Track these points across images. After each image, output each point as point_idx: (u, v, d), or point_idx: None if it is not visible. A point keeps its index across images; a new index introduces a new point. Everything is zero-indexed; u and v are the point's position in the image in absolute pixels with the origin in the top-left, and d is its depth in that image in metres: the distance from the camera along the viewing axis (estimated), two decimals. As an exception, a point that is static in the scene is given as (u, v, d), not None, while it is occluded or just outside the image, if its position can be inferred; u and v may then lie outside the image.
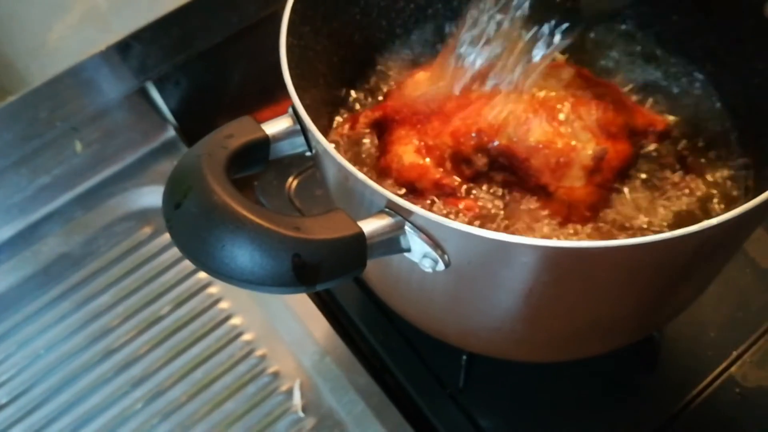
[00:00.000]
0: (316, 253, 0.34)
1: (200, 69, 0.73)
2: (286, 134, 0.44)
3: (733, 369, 0.58)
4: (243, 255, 0.33)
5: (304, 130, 0.43)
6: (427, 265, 0.39)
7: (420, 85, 0.56)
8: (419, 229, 0.38)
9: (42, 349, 0.64)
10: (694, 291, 0.51)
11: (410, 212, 0.38)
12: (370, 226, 0.37)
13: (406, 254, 0.40)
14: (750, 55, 0.51)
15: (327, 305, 0.66)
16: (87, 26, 0.65)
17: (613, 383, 0.59)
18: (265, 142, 0.42)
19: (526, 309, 0.43)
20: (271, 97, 0.78)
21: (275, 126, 0.43)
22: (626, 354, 0.53)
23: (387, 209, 0.39)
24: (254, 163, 0.42)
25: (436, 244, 0.38)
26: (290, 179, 0.73)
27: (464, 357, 0.57)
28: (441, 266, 0.39)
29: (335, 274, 0.36)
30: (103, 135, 0.71)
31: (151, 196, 0.71)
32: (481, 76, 0.58)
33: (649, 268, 0.41)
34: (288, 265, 0.34)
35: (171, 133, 0.74)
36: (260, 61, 0.75)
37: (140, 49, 0.65)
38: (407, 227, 0.38)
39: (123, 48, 0.64)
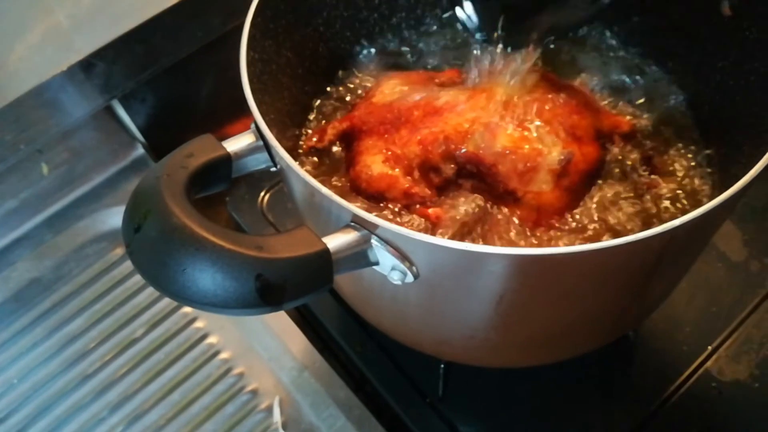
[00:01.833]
0: (280, 272, 0.34)
1: (167, 85, 0.72)
2: (249, 151, 0.43)
3: (708, 363, 0.59)
4: (205, 278, 0.33)
5: (268, 146, 0.43)
6: (396, 278, 0.39)
7: (387, 94, 0.56)
8: (386, 242, 0.38)
9: (15, 378, 0.62)
10: (666, 289, 0.51)
11: (376, 225, 0.37)
12: (335, 241, 0.37)
13: (375, 267, 0.40)
14: (710, 54, 0.52)
15: (304, 319, 0.66)
16: (49, 46, 0.64)
17: (591, 384, 0.59)
18: (227, 159, 0.41)
19: (498, 316, 0.43)
20: (242, 109, 0.77)
21: (237, 143, 0.43)
22: (602, 354, 0.53)
23: (353, 223, 0.38)
24: (217, 181, 0.42)
25: (403, 257, 0.38)
26: (262, 193, 0.72)
27: (442, 366, 0.57)
28: (410, 278, 0.39)
29: (301, 293, 0.35)
30: (70, 156, 0.70)
31: (122, 216, 0.70)
32: (449, 82, 0.58)
33: (618, 270, 0.41)
34: (251, 286, 0.33)
35: (140, 150, 0.74)
36: (228, 74, 0.74)
37: (104, 68, 0.64)
38: (374, 241, 0.38)
39: (86, 67, 0.63)
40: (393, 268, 0.39)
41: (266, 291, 0.34)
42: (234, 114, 0.77)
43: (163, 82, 0.71)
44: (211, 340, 0.64)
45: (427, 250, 0.37)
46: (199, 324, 0.64)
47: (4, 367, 0.63)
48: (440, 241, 0.36)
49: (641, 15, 0.57)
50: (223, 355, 0.63)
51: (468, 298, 0.42)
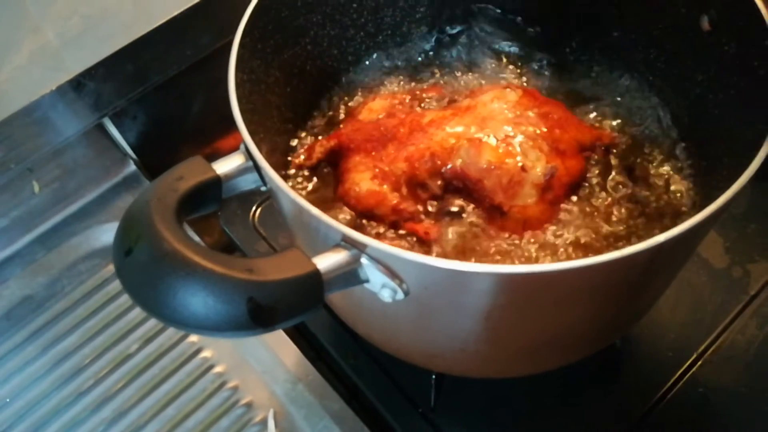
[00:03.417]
0: (271, 294, 0.35)
1: (157, 102, 0.72)
2: (239, 172, 0.44)
3: (695, 369, 0.60)
4: (196, 302, 0.33)
5: (257, 167, 0.43)
6: (386, 295, 0.40)
7: (374, 111, 0.57)
8: (376, 260, 0.38)
9: (8, 396, 0.62)
10: (651, 299, 0.52)
11: (365, 245, 0.38)
12: (325, 261, 0.38)
13: (365, 285, 0.40)
14: (689, 68, 0.53)
15: (297, 332, 0.67)
16: (38, 65, 0.64)
17: (580, 392, 0.60)
18: (217, 182, 0.42)
19: (487, 331, 0.44)
20: (232, 125, 0.78)
21: (227, 164, 0.43)
22: (590, 363, 0.54)
23: (342, 242, 0.39)
24: (207, 203, 0.43)
25: (393, 274, 0.39)
26: (254, 207, 0.73)
27: (433, 377, 0.58)
28: (400, 295, 0.40)
29: (293, 314, 0.36)
30: (61, 173, 0.71)
31: (114, 233, 0.70)
32: (434, 97, 0.59)
33: (604, 284, 0.42)
34: (243, 309, 0.34)
35: (131, 167, 0.74)
36: (218, 91, 0.74)
37: (94, 86, 0.65)
38: (364, 259, 0.39)
39: (76, 85, 0.64)
40: (383, 286, 0.39)
41: (258, 313, 0.34)
42: (224, 130, 0.78)
43: (154, 100, 0.71)
44: (205, 354, 0.64)
45: (417, 268, 0.38)
46: (192, 338, 0.65)
47: (-4, 386, 0.63)
48: (430, 260, 0.36)
49: (622, 29, 0.59)
50: (218, 369, 0.63)
51: (458, 314, 0.42)
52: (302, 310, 0.36)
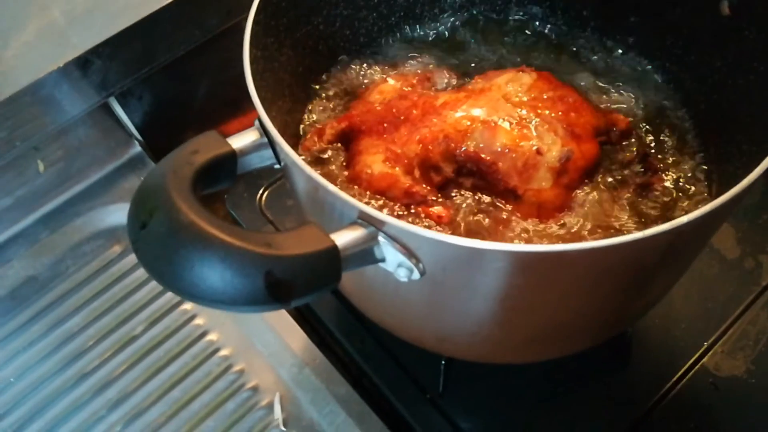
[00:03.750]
0: (289, 269, 0.34)
1: (164, 83, 0.72)
2: (254, 148, 0.43)
3: (705, 359, 0.60)
4: (213, 275, 0.33)
5: (272, 143, 0.43)
6: (402, 275, 0.39)
7: (385, 93, 0.56)
8: (393, 239, 0.38)
9: (12, 376, 0.62)
10: (665, 286, 0.52)
11: (383, 222, 0.37)
12: (343, 238, 0.37)
13: (380, 264, 0.40)
14: (707, 54, 0.53)
15: (303, 316, 0.66)
16: (45, 42, 0.63)
17: (590, 380, 0.59)
18: (232, 156, 0.41)
19: (502, 313, 0.43)
20: (238, 108, 0.78)
21: (242, 140, 0.43)
22: (601, 351, 0.54)
23: (359, 220, 0.38)
24: (222, 178, 0.42)
25: (410, 254, 0.38)
26: (261, 191, 0.72)
27: (443, 362, 0.57)
28: (416, 275, 0.39)
29: (310, 290, 0.36)
30: (66, 153, 0.70)
31: (119, 214, 0.70)
32: (447, 80, 0.59)
33: (621, 267, 0.41)
34: (261, 283, 0.33)
35: (137, 148, 0.73)
36: (225, 73, 0.74)
37: (101, 65, 0.64)
38: (381, 237, 0.38)
39: (83, 64, 0.63)
40: (399, 265, 0.39)
41: (275, 288, 0.34)
42: (230, 112, 0.77)
43: (161, 80, 0.71)
44: (211, 337, 0.64)
45: (435, 246, 0.37)
46: (198, 321, 0.64)
47: (1, 365, 0.62)
48: (449, 237, 0.36)
49: (639, 15, 0.58)
50: (223, 352, 0.63)
51: (473, 295, 0.42)
52: (320, 285, 0.36)
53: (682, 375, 0.59)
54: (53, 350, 0.63)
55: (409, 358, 0.60)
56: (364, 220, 0.38)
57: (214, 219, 0.35)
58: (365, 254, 0.38)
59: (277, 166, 0.45)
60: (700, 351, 0.60)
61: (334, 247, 0.36)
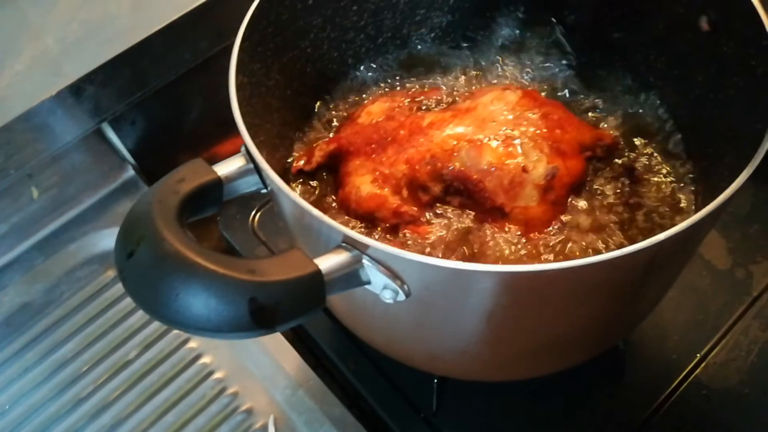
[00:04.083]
0: (273, 295, 0.34)
1: (156, 107, 0.72)
2: (240, 174, 0.44)
3: (698, 371, 0.60)
4: (198, 303, 0.33)
5: (258, 169, 0.43)
6: (387, 297, 0.40)
7: (373, 114, 0.57)
8: (377, 261, 0.38)
9: (7, 403, 0.62)
10: (654, 299, 0.52)
11: (366, 246, 0.38)
12: (327, 262, 0.38)
13: (366, 287, 0.40)
14: (689, 69, 0.53)
15: (297, 337, 0.66)
16: (38, 71, 0.64)
17: (583, 395, 0.59)
18: (218, 183, 0.42)
19: (489, 331, 0.44)
20: (231, 130, 0.77)
21: (228, 166, 0.43)
22: (594, 365, 0.54)
23: (344, 244, 0.39)
24: (208, 205, 0.42)
25: (394, 275, 0.39)
26: (253, 212, 0.72)
27: (435, 380, 0.57)
28: (402, 296, 0.40)
29: (294, 315, 0.36)
30: (60, 179, 0.71)
31: (113, 239, 0.68)
32: (434, 100, 0.59)
33: (606, 283, 0.41)
34: (245, 310, 0.33)
35: (130, 172, 0.74)
36: (217, 95, 0.74)
37: (93, 91, 0.65)
38: (365, 260, 0.38)
39: (75, 91, 0.64)
40: (385, 287, 0.39)
41: (259, 314, 0.34)
42: (223, 134, 0.78)
43: (153, 105, 0.71)
44: (205, 360, 0.64)
45: (419, 268, 0.37)
46: (192, 344, 0.64)
47: (-4, 393, 0.62)
48: (431, 260, 0.36)
49: (622, 30, 0.59)
50: (217, 375, 0.63)
51: (459, 315, 0.42)
52: (304, 310, 0.36)
53: (676, 387, 0.59)
54: (48, 376, 0.63)
55: (402, 377, 0.60)
56: (348, 243, 0.38)
57: (199, 247, 0.35)
58: (350, 277, 0.39)
59: (264, 191, 0.46)
60: (693, 363, 0.60)
61: (318, 271, 0.36)
